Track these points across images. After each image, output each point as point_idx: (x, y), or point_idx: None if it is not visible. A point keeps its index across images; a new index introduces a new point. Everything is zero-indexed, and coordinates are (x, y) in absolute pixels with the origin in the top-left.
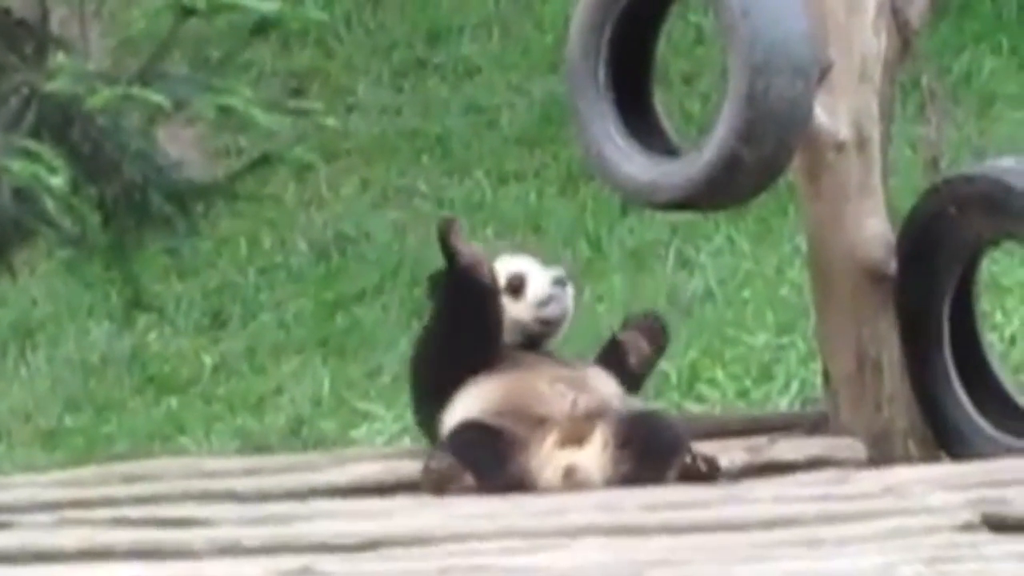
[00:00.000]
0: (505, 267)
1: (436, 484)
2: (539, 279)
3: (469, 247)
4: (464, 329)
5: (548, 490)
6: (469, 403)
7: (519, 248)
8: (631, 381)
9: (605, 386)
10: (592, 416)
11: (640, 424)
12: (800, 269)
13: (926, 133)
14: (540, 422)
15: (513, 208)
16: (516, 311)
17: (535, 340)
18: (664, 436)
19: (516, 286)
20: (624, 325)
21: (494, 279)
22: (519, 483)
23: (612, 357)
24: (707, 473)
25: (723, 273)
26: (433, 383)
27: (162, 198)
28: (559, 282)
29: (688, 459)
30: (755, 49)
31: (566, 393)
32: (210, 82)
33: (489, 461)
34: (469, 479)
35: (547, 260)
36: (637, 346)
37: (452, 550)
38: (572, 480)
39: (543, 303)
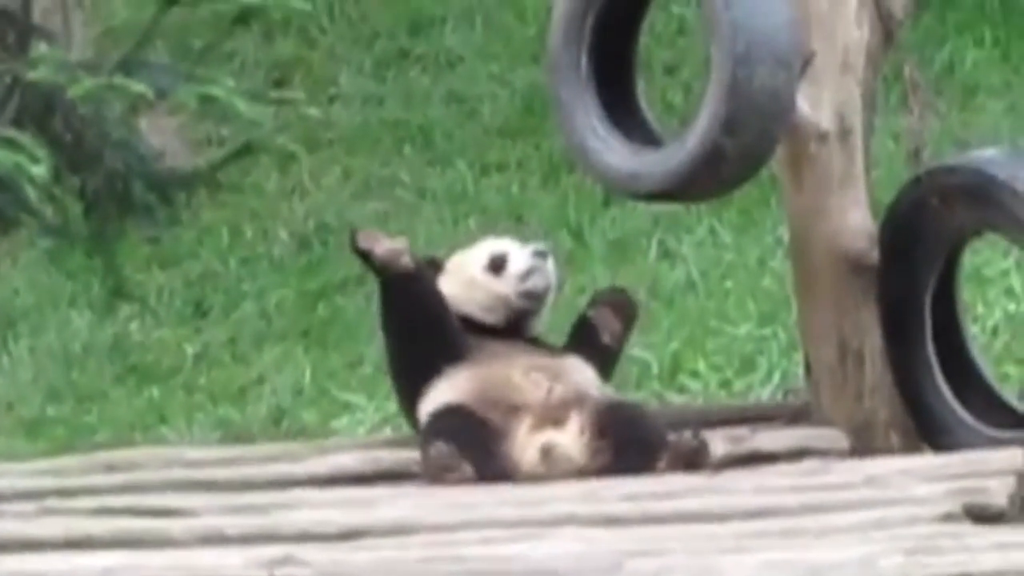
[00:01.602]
0: (487, 248)
1: (436, 473)
2: (520, 254)
3: (380, 242)
4: (411, 319)
5: (531, 474)
6: (444, 392)
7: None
8: (605, 359)
9: (582, 375)
10: (568, 403)
11: (617, 415)
12: (782, 260)
13: (908, 124)
14: (515, 410)
15: (495, 199)
16: (499, 287)
17: (520, 318)
18: (643, 430)
19: (498, 264)
20: (592, 303)
21: (417, 260)
22: (504, 471)
23: (584, 336)
24: (697, 450)
25: (705, 264)
26: (405, 376)
27: (144, 187)
28: (540, 255)
29: (677, 439)
30: (737, 39)
31: (541, 382)
32: (192, 72)
33: (479, 449)
34: (468, 469)
35: (529, 239)
36: (607, 323)
37: (432, 540)
38: (551, 458)
39: (525, 276)
